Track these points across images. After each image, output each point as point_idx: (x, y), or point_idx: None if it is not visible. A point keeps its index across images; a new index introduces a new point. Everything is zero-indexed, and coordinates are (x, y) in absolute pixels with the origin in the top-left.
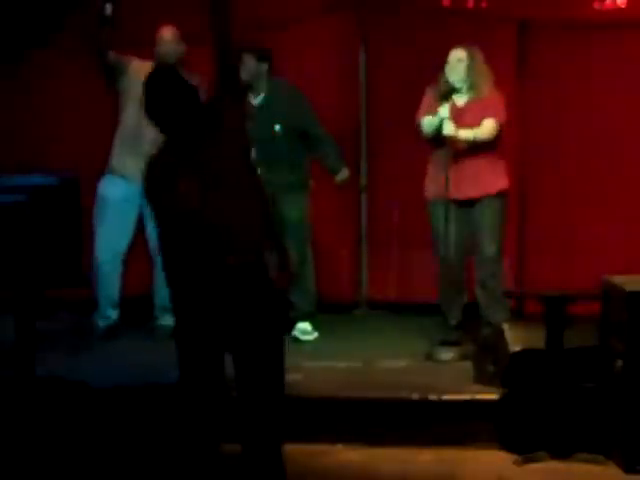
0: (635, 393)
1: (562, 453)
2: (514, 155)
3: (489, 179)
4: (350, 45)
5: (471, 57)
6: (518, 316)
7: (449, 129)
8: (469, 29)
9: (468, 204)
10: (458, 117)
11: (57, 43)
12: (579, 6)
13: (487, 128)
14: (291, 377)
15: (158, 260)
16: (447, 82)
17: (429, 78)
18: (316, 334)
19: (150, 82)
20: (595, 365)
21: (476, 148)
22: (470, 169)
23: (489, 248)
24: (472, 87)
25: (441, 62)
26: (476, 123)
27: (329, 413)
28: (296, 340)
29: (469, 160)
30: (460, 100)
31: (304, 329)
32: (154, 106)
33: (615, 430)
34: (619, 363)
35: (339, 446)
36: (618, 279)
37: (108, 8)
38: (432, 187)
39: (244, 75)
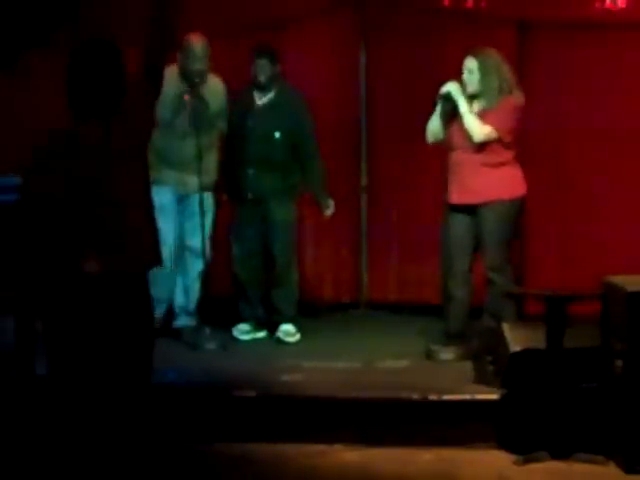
0: (635, 393)
1: (562, 453)
2: None
3: (488, 186)
4: (350, 45)
5: (483, 66)
6: (518, 316)
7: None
8: (469, 29)
9: (471, 209)
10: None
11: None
12: (579, 6)
13: (483, 129)
14: (291, 377)
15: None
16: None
17: (429, 78)
18: (299, 336)
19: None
20: (595, 365)
21: (479, 154)
22: (469, 175)
23: (489, 255)
24: (481, 96)
25: (440, 62)
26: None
27: (328, 413)
28: (279, 342)
29: (469, 166)
30: (473, 108)
31: (287, 330)
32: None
33: (615, 430)
34: (619, 363)
35: (338, 446)
36: (618, 279)
37: None
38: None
39: (261, 77)
